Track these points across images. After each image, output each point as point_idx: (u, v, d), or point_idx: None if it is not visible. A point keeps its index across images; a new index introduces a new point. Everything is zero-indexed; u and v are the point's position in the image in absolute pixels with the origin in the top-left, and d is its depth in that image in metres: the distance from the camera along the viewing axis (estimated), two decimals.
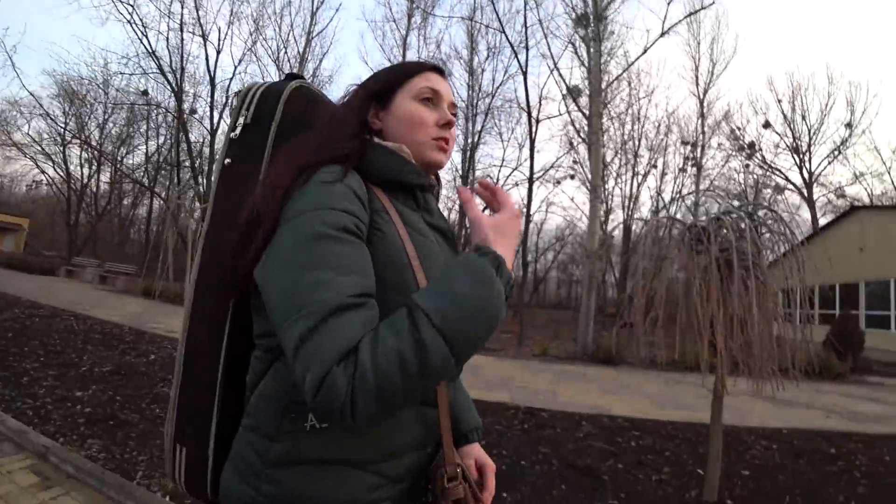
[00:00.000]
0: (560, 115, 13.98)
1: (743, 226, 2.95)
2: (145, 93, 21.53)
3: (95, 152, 25.97)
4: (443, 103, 0.78)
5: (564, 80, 14.13)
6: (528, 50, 13.86)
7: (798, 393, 7.20)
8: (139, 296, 13.39)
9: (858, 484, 3.33)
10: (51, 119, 22.61)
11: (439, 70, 0.80)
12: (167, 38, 19.28)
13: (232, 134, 0.76)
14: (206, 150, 21.14)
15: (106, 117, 25.35)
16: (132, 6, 17.89)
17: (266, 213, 0.61)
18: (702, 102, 20.46)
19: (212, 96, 20.41)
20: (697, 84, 20.60)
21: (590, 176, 11.70)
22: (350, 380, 0.48)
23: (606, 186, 25.11)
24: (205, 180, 20.78)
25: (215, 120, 20.51)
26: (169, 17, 18.84)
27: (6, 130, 23.40)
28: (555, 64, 13.39)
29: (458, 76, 19.99)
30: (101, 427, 3.25)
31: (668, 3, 11.09)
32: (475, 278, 0.55)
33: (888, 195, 25.33)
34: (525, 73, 14.57)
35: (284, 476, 0.61)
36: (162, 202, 23.58)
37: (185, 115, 20.23)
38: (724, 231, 2.97)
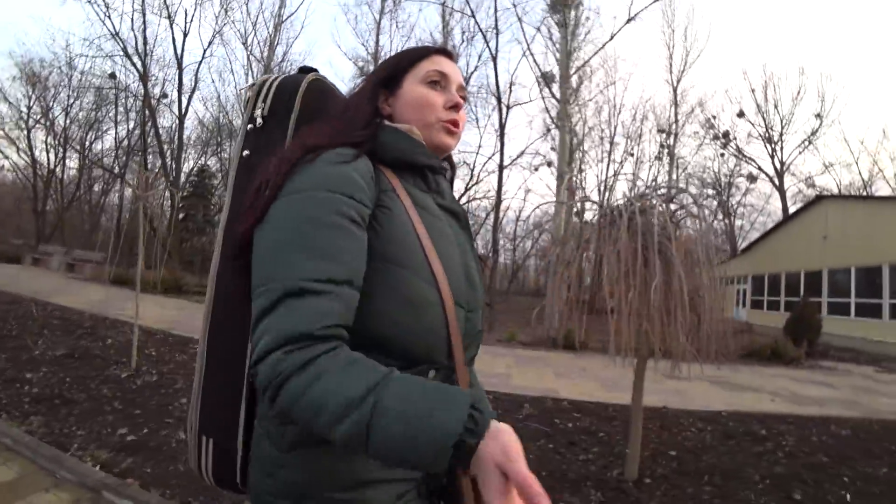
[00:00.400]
0: (531, 100, 13.92)
1: (657, 209, 2.91)
2: (112, 76, 20.80)
3: (60, 138, 25.06)
4: (451, 86, 0.78)
5: (538, 66, 14.05)
6: (498, 35, 13.69)
7: (752, 377, 7.39)
8: (107, 283, 12.99)
9: (778, 464, 3.38)
10: (11, 104, 21.76)
11: (447, 53, 0.80)
12: (132, 19, 18.60)
13: (249, 126, 0.77)
14: (176, 135, 20.55)
15: (70, 101, 24.44)
16: None
17: (270, 182, 0.62)
18: (675, 91, 20.58)
19: (179, 80, 19.84)
20: (671, 72, 20.70)
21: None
22: (284, 372, 0.50)
23: (583, 174, 25.21)
24: (174, 164, 20.27)
25: (184, 104, 19.93)
26: None
27: None
28: (528, 49, 13.25)
29: None
30: (45, 405, 3.36)
31: None
32: (439, 425, 0.47)
33: (855, 185, 25.96)
34: (495, 59, 14.43)
35: (300, 460, 0.61)
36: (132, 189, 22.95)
37: (152, 100, 19.62)
38: (636, 213, 2.91)
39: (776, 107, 26.68)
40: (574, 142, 19.43)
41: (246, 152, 0.77)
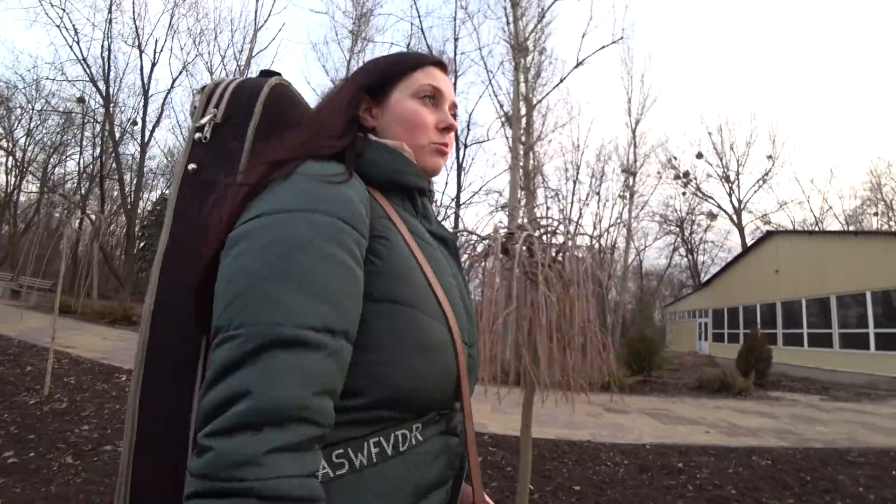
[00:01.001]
0: (489, 139, 14.18)
1: (531, 240, 2.88)
2: (81, 100, 20.51)
3: (18, 162, 24.35)
4: (444, 103, 0.69)
5: (501, 106, 14.43)
6: (456, 77, 14.05)
7: (696, 409, 7.31)
8: (51, 311, 12.36)
9: (683, 497, 3.24)
10: None
11: (443, 65, 0.71)
12: (101, 46, 18.53)
13: (197, 135, 0.64)
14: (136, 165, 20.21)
15: (33, 125, 23.84)
16: (63, 10, 17.18)
17: (223, 217, 0.51)
18: (634, 133, 21.41)
19: (144, 109, 19.65)
20: (630, 115, 21.59)
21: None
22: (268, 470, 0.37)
23: (549, 211, 25.68)
24: (132, 194, 19.84)
25: (147, 133, 19.71)
26: (108, 24, 18.15)
27: None
28: (492, 90, 13.68)
29: None
30: None
31: (583, 37, 11.52)
32: None
33: (808, 221, 27.07)
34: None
35: None
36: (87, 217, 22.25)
37: (116, 127, 19.36)
38: (517, 245, 2.92)
39: (732, 148, 28.01)
40: (534, 180, 19.87)
41: (192, 166, 0.63)
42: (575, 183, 24.32)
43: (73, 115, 21.67)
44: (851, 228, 22.25)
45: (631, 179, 20.85)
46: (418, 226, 0.64)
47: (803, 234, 17.14)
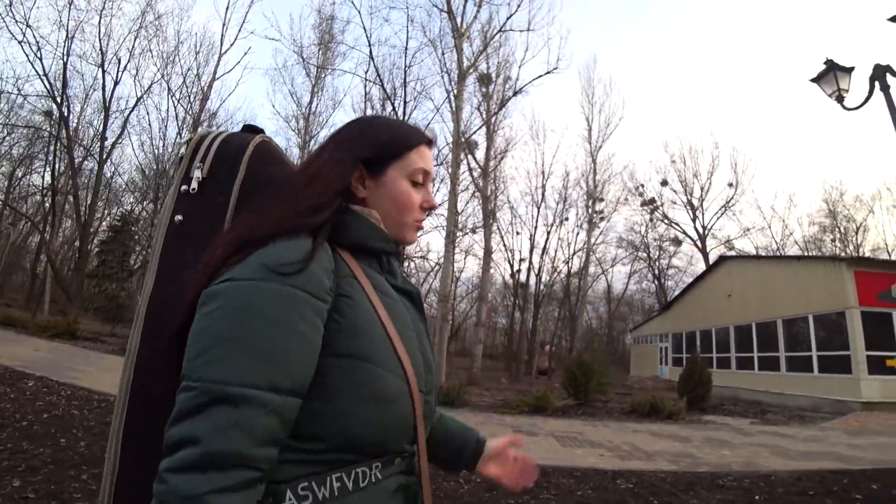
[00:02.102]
0: (438, 164, 14.29)
1: None
2: (48, 114, 20.30)
3: None
4: (429, 183, 0.75)
5: (463, 135, 14.72)
6: (406, 104, 14.27)
7: (611, 433, 7.18)
8: None
9: None
10: None
11: (431, 142, 0.76)
12: (63, 63, 18.43)
13: (183, 188, 0.68)
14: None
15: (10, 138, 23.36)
16: (26, 25, 17.10)
17: (211, 263, 0.57)
18: (595, 159, 21.84)
19: (104, 126, 19.51)
20: (590, 142, 22.04)
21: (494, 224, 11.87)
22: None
23: (518, 236, 25.82)
24: (86, 211, 19.48)
25: (104, 151, 19.52)
26: (69, 41, 18.10)
27: None
28: (441, 116, 13.90)
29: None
30: None
31: (520, 67, 11.83)
32: None
33: (771, 247, 27.56)
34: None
35: None
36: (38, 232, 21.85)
37: (71, 143, 19.13)
38: None
39: (695, 176, 28.65)
40: (495, 203, 20.07)
41: (178, 217, 0.67)
42: (539, 208, 24.57)
43: (41, 129, 21.42)
44: (801, 253, 22.70)
45: (590, 205, 21.06)
46: (383, 282, 0.68)
47: (752, 259, 17.45)
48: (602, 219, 27.64)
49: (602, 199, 26.96)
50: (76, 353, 10.04)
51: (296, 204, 0.62)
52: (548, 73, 12.43)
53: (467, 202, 20.11)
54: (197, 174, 0.68)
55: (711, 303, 17.70)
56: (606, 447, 6.01)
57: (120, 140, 20.21)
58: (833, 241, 26.44)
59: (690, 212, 28.49)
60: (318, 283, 0.56)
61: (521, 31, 12.08)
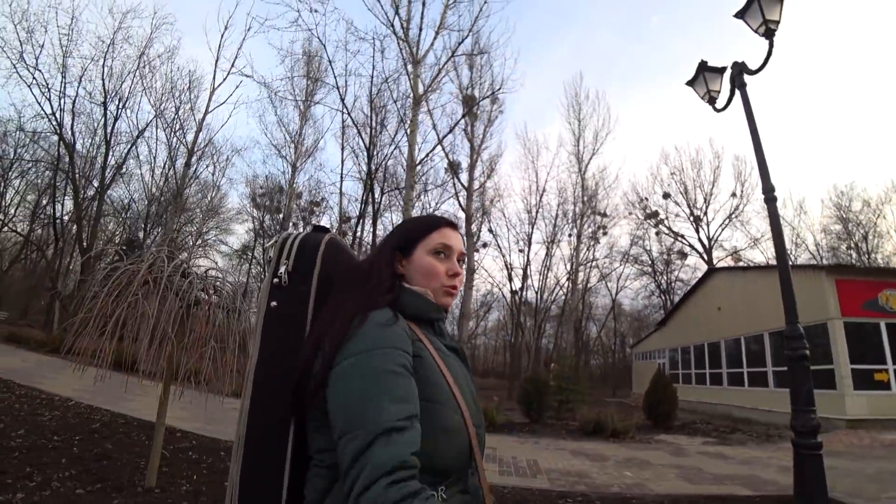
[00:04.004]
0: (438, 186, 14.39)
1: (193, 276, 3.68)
2: (69, 147, 21.58)
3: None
4: (453, 255, 0.93)
5: (448, 156, 14.87)
6: (371, 130, 14.51)
7: (531, 450, 6.95)
8: (2, 342, 13.52)
9: None
10: None
11: (453, 224, 0.96)
12: (73, 101, 19.64)
13: (275, 280, 0.87)
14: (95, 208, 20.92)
15: (21, 169, 24.90)
16: (36, 68, 18.36)
17: (330, 345, 0.75)
18: (583, 175, 21.56)
19: (105, 158, 20.59)
20: (580, 159, 21.80)
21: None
22: (392, 494, 0.60)
23: (520, 255, 25.56)
24: (87, 237, 20.40)
25: (105, 182, 20.56)
26: (79, 82, 19.33)
27: None
28: (440, 143, 14.11)
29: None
30: None
31: (468, 90, 11.93)
32: None
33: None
34: (367, 150, 15.03)
35: None
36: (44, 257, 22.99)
37: (76, 175, 20.24)
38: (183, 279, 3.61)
39: (699, 187, 27.87)
40: (481, 222, 20.06)
41: (273, 303, 0.86)
42: (532, 225, 24.35)
43: (47, 162, 22.73)
44: (814, 263, 21.58)
45: (579, 221, 20.73)
46: (438, 342, 0.88)
47: (739, 271, 16.74)
48: (605, 233, 27.23)
49: (606, 215, 26.61)
50: (56, 364, 10.37)
51: (370, 289, 0.84)
52: (493, 93, 12.47)
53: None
54: (284, 269, 0.87)
55: (703, 317, 17.01)
56: (511, 465, 5.82)
57: (121, 172, 21.18)
58: (848, 248, 25.14)
59: (694, 224, 27.68)
60: (405, 341, 0.77)
61: (472, 54, 12.17)
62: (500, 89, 12.93)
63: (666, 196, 28.50)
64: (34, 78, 18.35)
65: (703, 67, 4.96)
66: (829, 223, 25.88)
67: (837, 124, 47.49)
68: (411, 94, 12.65)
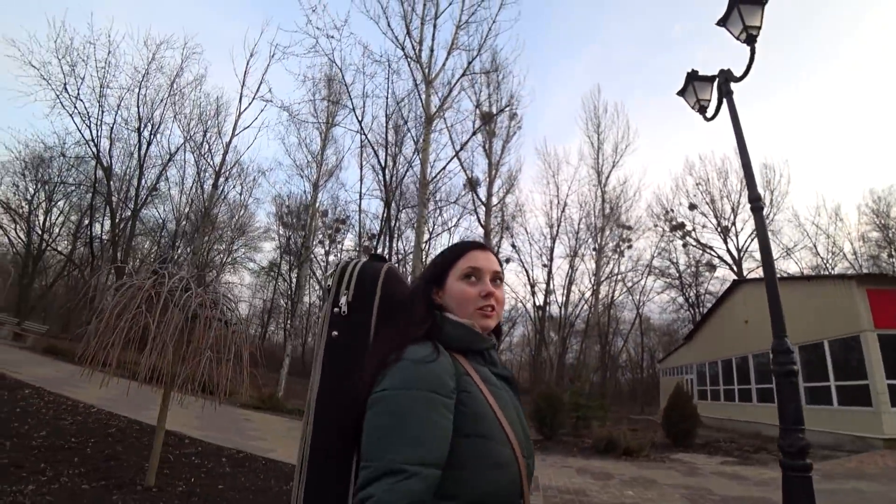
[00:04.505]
0: (453, 202, 14.53)
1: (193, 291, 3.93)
2: (108, 170, 22.90)
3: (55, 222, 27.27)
4: (485, 276, 0.93)
5: (467, 172, 15.11)
6: (387, 148, 14.84)
7: (542, 468, 6.81)
8: (41, 353, 14.14)
9: None
10: (18, 188, 24.14)
11: (481, 246, 0.98)
12: (111, 128, 20.89)
13: (336, 309, 0.91)
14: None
15: (64, 192, 26.42)
16: (77, 98, 19.63)
17: (367, 380, 0.79)
18: (603, 189, 21.27)
19: (139, 181, 21.65)
20: (600, 172, 21.56)
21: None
22: None
23: (542, 270, 25.33)
24: (122, 254, 21.36)
25: (139, 202, 21.59)
26: (117, 111, 20.59)
27: None
28: (459, 158, 14.38)
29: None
30: None
31: (477, 107, 12.10)
32: None
33: (820, 267, 25.23)
34: (384, 169, 15.35)
35: None
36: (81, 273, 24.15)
37: (111, 197, 21.37)
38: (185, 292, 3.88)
39: (726, 197, 27.06)
40: (500, 236, 20.01)
41: (334, 333, 0.90)
42: (554, 240, 24.12)
43: (100, 184, 24.10)
44: (853, 272, 20.52)
45: (598, 236, 20.42)
46: (488, 373, 0.88)
47: (763, 282, 16.07)
48: (629, 247, 26.71)
49: (630, 227, 26.14)
50: (87, 375, 10.94)
51: (407, 321, 0.87)
52: (500, 111, 12.58)
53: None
54: (344, 299, 0.90)
55: (730, 331, 16.35)
56: None
57: (153, 194, 22.23)
58: (889, 256, 23.81)
59: (722, 235, 26.84)
60: (445, 385, 0.77)
61: (480, 73, 12.36)
62: (507, 106, 13.05)
63: (692, 207, 27.79)
64: (75, 107, 19.62)
65: (692, 77, 4.91)
66: (868, 230, 24.60)
67: (872, 126, 45.19)
68: (424, 114, 12.88)
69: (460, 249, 0.96)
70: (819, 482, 6.52)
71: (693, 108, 4.98)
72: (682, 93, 5.08)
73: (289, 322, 25.33)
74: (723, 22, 4.25)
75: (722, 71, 4.49)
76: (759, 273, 25.14)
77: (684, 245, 28.76)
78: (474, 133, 12.14)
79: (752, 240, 26.09)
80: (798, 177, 48.94)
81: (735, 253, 26.43)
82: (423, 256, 12.08)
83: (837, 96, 48.75)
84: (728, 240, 26.63)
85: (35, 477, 3.56)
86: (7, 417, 5.25)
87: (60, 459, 4.09)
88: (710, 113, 4.79)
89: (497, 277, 0.95)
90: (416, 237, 11.50)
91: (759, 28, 4.01)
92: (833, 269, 24.53)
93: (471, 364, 0.86)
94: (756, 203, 3.92)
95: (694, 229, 27.98)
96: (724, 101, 4.42)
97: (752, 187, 3.93)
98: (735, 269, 26.08)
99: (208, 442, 5.81)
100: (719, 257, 27.27)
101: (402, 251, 21.65)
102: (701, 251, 28.22)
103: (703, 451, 9.56)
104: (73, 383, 8.86)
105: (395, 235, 15.21)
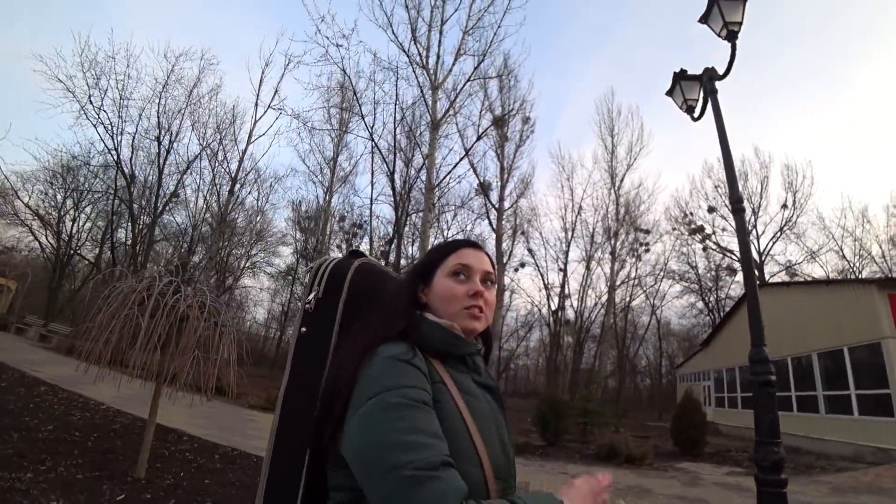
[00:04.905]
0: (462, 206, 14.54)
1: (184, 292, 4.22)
2: (132, 177, 23.70)
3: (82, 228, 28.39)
4: (474, 275, 0.88)
5: (478, 175, 15.08)
6: (395, 154, 14.97)
7: (527, 472, 6.72)
8: (64, 353, 14.40)
9: None
10: (48, 195, 25.19)
11: (473, 244, 0.94)
12: (133, 138, 21.64)
13: (307, 306, 0.90)
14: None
15: (94, 198, 27.39)
16: (101, 109, 20.37)
17: (342, 387, 0.73)
18: (617, 192, 20.98)
19: (157, 187, 22.29)
20: (614, 175, 21.28)
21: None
22: None
23: (559, 274, 25.09)
24: (142, 258, 22.00)
25: (158, 209, 22.25)
26: (138, 121, 21.33)
27: (12, 199, 25.32)
28: (470, 161, 14.38)
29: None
30: None
31: (481, 114, 12.12)
32: None
33: (846, 271, 24.35)
34: (392, 175, 15.46)
35: None
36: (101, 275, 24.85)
37: (132, 204, 22.06)
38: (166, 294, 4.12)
39: (748, 199, 26.35)
40: (513, 241, 19.95)
41: (303, 329, 0.89)
42: (569, 244, 23.88)
43: (109, 193, 24.91)
44: (881, 276, 19.68)
45: (613, 238, 20.14)
46: (467, 382, 0.81)
47: (783, 287, 15.59)
48: (647, 250, 26.22)
49: (647, 231, 25.67)
50: (102, 374, 11.34)
51: (383, 318, 0.82)
52: (503, 116, 12.54)
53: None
54: (313, 295, 0.89)
55: (746, 337, 15.81)
56: None
57: (172, 201, 22.88)
58: None
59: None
60: (423, 382, 0.72)
61: (485, 78, 12.37)
62: (511, 111, 13.04)
63: (711, 210, 27.14)
64: (98, 117, 20.37)
65: (679, 76, 4.82)
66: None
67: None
68: (430, 119, 12.95)
69: (451, 246, 0.91)
70: (827, 496, 6.31)
71: (681, 108, 4.88)
72: (670, 93, 4.99)
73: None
74: (704, 19, 4.16)
75: (706, 69, 4.40)
76: (782, 277, 24.45)
77: (704, 249, 28.11)
78: (479, 138, 12.16)
79: (774, 243, 25.39)
80: (823, 178, 47.41)
81: (756, 257, 25.69)
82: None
83: (863, 95, 47.08)
84: (749, 243, 25.90)
85: (35, 466, 3.76)
86: (20, 412, 5.53)
87: (61, 451, 4.32)
88: (697, 112, 4.68)
89: (488, 279, 0.90)
90: (422, 241, 11.56)
91: (741, 24, 3.92)
92: (861, 272, 23.63)
93: (448, 370, 0.80)
94: (737, 205, 3.81)
95: (714, 233, 27.33)
96: (709, 100, 4.31)
97: (734, 189, 3.82)
98: (756, 273, 25.32)
99: (205, 439, 5.96)
100: (739, 261, 26.53)
101: (414, 256, 21.73)
102: (721, 255, 27.55)
103: (712, 461, 9.29)
104: (88, 382, 9.22)
105: (411, 241, 15.27)
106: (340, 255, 0.98)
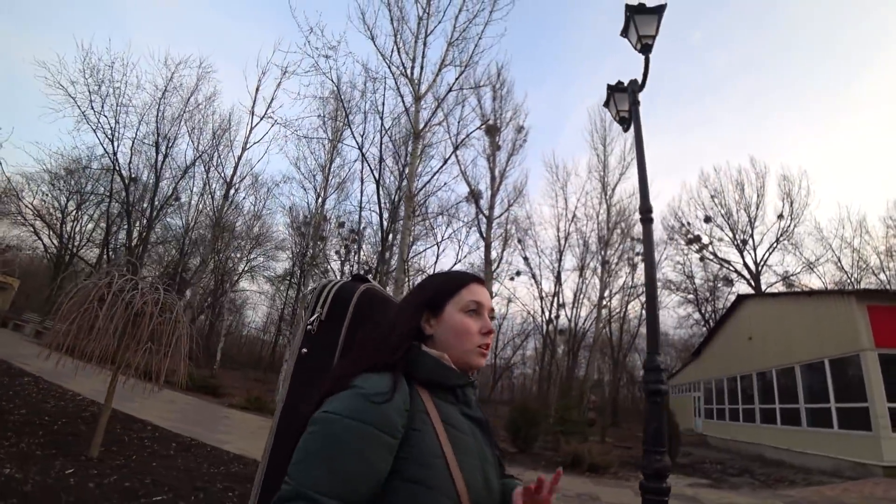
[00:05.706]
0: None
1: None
2: (134, 180, 24.12)
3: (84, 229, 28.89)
4: (484, 312, 0.89)
5: (469, 184, 15.09)
6: (380, 163, 15.16)
7: None
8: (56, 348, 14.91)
9: None
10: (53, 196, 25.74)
11: (481, 280, 0.94)
12: (132, 142, 22.08)
13: (309, 327, 0.90)
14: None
15: (97, 201, 27.82)
16: (101, 114, 20.80)
17: (322, 393, 0.76)
18: (608, 202, 20.95)
19: (154, 192, 22.67)
20: (605, 184, 21.25)
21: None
22: None
23: (552, 283, 25.04)
24: (138, 260, 22.31)
25: (153, 214, 22.61)
26: (138, 126, 21.80)
27: (16, 200, 25.79)
28: (462, 169, 14.55)
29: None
30: None
31: (458, 122, 12.30)
32: None
33: (844, 282, 24.02)
34: (378, 184, 15.60)
35: None
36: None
37: (130, 207, 22.46)
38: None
39: (745, 209, 26.19)
40: (503, 250, 19.99)
41: (304, 350, 0.89)
42: (562, 253, 23.85)
43: (120, 195, 25.33)
44: (882, 287, 19.40)
45: (602, 248, 20.10)
46: (455, 414, 0.81)
47: (769, 298, 15.42)
48: (643, 260, 26.06)
49: (641, 240, 25.53)
50: (88, 369, 11.52)
51: (377, 347, 0.81)
52: (484, 124, 12.66)
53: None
54: (316, 317, 0.89)
55: (735, 348, 15.73)
56: None
57: (168, 205, 23.24)
58: None
59: (739, 248, 25.92)
60: (391, 423, 0.70)
61: (463, 88, 12.49)
62: (505, 120, 13.16)
63: (707, 220, 26.96)
64: (98, 122, 20.80)
65: (613, 88, 4.90)
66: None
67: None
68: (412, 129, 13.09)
69: (462, 280, 0.90)
70: None
71: (615, 119, 4.96)
72: (606, 104, 5.07)
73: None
74: (624, 33, 4.25)
75: (631, 81, 4.48)
76: (778, 288, 24.18)
77: (701, 259, 27.90)
78: (456, 147, 12.24)
79: (770, 253, 25.15)
80: (820, 189, 46.88)
81: (752, 267, 25.47)
82: (406, 269, 12.14)
83: (861, 105, 46.65)
84: (745, 253, 25.69)
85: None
86: None
87: (27, 431, 4.61)
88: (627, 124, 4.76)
89: (492, 315, 0.91)
90: (400, 250, 11.64)
91: (654, 37, 4.00)
92: (859, 284, 23.29)
93: (434, 401, 0.79)
94: (646, 215, 3.87)
95: (711, 243, 27.13)
96: (632, 110, 4.39)
97: (645, 198, 3.88)
98: (752, 283, 25.11)
99: (167, 429, 6.17)
100: (736, 272, 26.29)
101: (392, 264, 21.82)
102: (718, 266, 27.32)
103: (681, 472, 9.20)
104: (72, 375, 9.44)
105: (385, 249, 15.36)
106: (345, 279, 0.97)
